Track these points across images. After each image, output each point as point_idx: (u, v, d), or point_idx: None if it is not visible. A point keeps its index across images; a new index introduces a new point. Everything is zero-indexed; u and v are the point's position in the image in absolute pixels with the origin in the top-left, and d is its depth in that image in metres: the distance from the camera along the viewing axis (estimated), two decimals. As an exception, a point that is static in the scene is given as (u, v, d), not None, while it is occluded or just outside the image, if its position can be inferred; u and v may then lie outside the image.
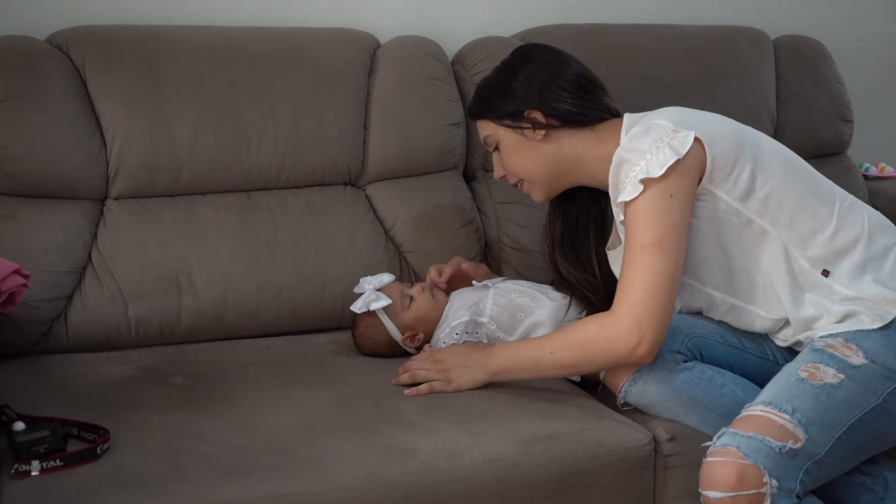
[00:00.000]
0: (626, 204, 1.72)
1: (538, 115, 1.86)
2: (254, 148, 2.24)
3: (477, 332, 2.02)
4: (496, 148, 1.94)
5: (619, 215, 1.77)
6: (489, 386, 1.86)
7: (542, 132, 1.87)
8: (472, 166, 2.48)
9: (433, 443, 1.67)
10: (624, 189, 1.72)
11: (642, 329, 1.68)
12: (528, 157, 1.90)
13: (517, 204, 2.39)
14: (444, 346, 2.00)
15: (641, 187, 1.70)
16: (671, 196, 1.70)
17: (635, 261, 1.70)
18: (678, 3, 2.89)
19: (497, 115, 1.90)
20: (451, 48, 2.56)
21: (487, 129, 1.94)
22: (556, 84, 1.87)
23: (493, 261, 2.40)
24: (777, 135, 2.73)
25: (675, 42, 2.69)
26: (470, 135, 2.44)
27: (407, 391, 1.85)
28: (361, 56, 2.38)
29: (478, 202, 2.44)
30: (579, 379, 1.96)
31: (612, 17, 2.78)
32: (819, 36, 2.93)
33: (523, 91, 1.88)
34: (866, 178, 2.96)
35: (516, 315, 2.04)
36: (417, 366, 1.90)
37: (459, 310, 2.04)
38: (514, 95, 1.88)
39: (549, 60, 1.91)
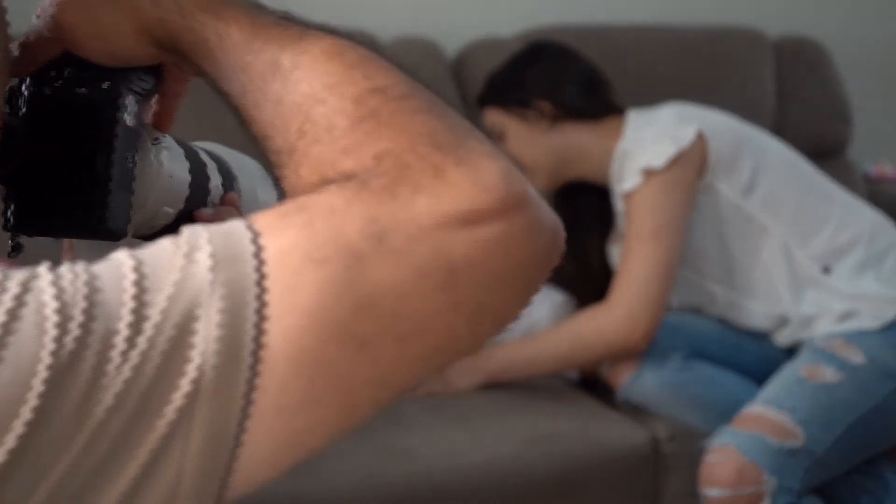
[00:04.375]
0: (627, 195, 1.75)
1: (546, 106, 1.88)
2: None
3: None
4: (501, 138, 1.95)
5: (621, 207, 1.79)
6: (489, 385, 1.86)
7: (549, 122, 1.89)
8: (472, 166, 2.48)
9: (433, 442, 1.67)
10: (625, 180, 1.75)
11: (636, 317, 1.69)
12: (534, 146, 1.91)
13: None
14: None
15: (643, 179, 1.72)
16: (672, 188, 1.72)
17: (633, 251, 1.72)
18: (677, 4, 2.89)
19: (506, 102, 1.92)
20: (451, 48, 2.56)
21: (495, 117, 1.95)
22: (565, 77, 1.91)
23: (493, 261, 2.40)
24: (777, 135, 2.72)
25: (674, 42, 2.69)
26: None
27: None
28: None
29: (478, 202, 2.44)
30: (578, 378, 1.96)
31: (612, 17, 2.78)
32: (819, 36, 2.93)
33: (534, 81, 1.91)
34: (866, 178, 2.96)
35: (516, 315, 2.03)
36: None
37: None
38: (524, 84, 1.91)
39: (560, 55, 1.96)
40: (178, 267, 0.50)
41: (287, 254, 0.51)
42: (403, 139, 0.54)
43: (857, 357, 1.68)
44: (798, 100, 2.80)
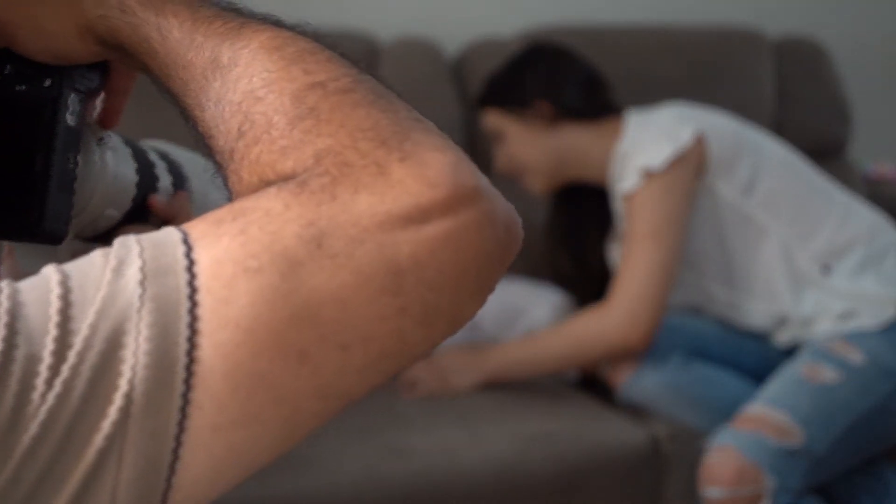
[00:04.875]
0: (627, 196, 1.75)
1: (546, 106, 1.89)
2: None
3: (475, 334, 2.02)
4: (500, 138, 1.96)
5: (620, 207, 1.80)
6: (488, 385, 1.86)
7: (548, 123, 1.89)
8: (472, 167, 2.48)
9: (433, 442, 1.67)
10: (625, 181, 1.76)
11: (635, 318, 1.70)
12: (533, 146, 1.92)
13: (517, 203, 2.38)
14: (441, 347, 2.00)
15: (642, 179, 1.73)
16: (670, 188, 1.72)
17: (632, 251, 1.72)
18: (677, 4, 2.89)
19: (505, 103, 1.92)
20: (451, 48, 2.57)
21: (494, 118, 1.95)
22: (565, 78, 1.92)
23: (492, 261, 2.39)
24: (777, 135, 2.72)
25: (673, 42, 2.69)
26: (470, 136, 2.43)
27: (405, 394, 1.85)
28: (361, 56, 2.38)
29: (478, 203, 2.44)
30: (578, 378, 1.96)
31: (612, 17, 2.79)
32: (819, 36, 2.93)
33: (533, 81, 1.91)
34: (866, 178, 2.96)
35: (515, 315, 2.04)
36: (415, 374, 1.90)
37: (459, 310, 2.04)
38: (523, 85, 1.91)
39: (559, 56, 1.97)
40: (107, 283, 0.47)
41: (220, 264, 0.48)
42: (344, 136, 0.51)
43: (856, 357, 1.68)
44: (798, 100, 2.80)
